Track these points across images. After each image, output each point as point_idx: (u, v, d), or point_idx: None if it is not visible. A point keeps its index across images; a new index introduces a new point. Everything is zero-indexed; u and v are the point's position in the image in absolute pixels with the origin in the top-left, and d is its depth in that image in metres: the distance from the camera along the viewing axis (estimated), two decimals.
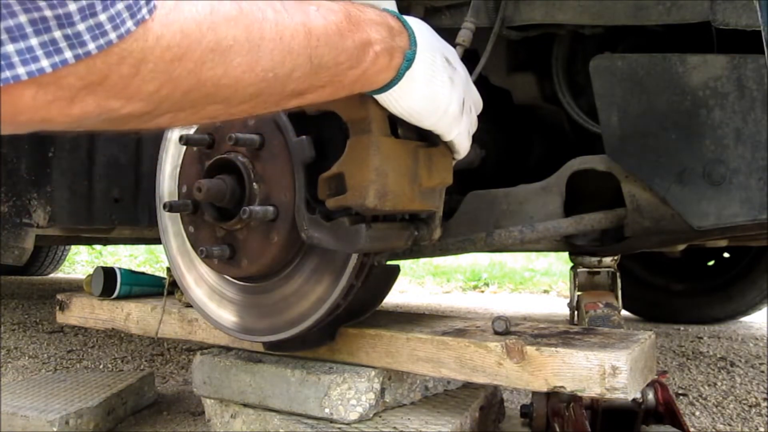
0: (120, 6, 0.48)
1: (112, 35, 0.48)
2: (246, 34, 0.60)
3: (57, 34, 0.45)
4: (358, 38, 0.73)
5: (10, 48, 0.44)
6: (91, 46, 0.47)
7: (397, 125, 0.89)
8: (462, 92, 0.88)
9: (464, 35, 1.09)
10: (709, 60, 1.05)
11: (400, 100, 0.83)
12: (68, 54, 0.46)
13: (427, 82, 0.83)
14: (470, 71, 0.95)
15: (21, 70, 0.45)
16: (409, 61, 0.80)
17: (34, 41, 0.45)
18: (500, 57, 1.36)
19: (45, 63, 0.46)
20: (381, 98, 0.83)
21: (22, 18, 0.44)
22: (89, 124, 0.55)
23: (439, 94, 0.84)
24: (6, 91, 0.46)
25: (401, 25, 0.81)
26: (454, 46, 1.07)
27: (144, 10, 0.50)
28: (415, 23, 0.84)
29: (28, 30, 0.44)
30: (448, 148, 0.95)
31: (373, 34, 0.75)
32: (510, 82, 1.40)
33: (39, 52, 0.45)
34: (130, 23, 0.49)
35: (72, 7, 0.45)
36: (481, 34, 1.18)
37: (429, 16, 1.27)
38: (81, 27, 0.46)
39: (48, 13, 0.44)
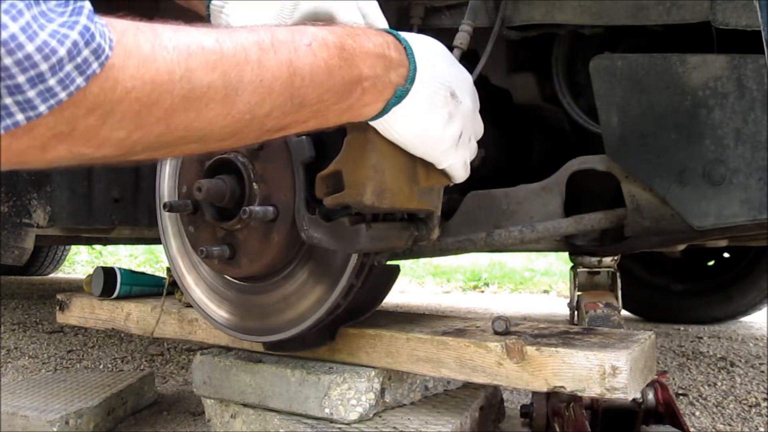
0: (69, 68, 0.49)
1: (62, 95, 0.50)
2: (223, 79, 0.60)
3: (8, 101, 0.48)
4: (347, 75, 0.71)
5: None
6: (42, 108, 0.50)
7: None
8: (461, 127, 0.85)
9: (461, 38, 1.09)
10: (709, 60, 1.05)
11: (388, 129, 0.81)
12: (20, 117, 0.49)
13: (418, 118, 0.80)
14: (470, 71, 0.94)
15: None
16: (398, 98, 0.77)
17: None
18: (500, 57, 1.36)
19: None
20: (371, 122, 0.81)
21: None
22: (68, 164, 0.58)
23: (430, 131, 0.82)
24: None
25: (403, 57, 0.78)
26: (452, 48, 1.06)
27: (94, 65, 0.51)
28: (429, 51, 0.81)
29: None
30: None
31: (365, 71, 0.73)
32: (510, 82, 1.40)
33: None
34: (80, 80, 0.50)
35: (21, 78, 0.47)
36: (480, 34, 1.17)
37: (429, 16, 1.27)
38: (31, 94, 0.49)
39: None
